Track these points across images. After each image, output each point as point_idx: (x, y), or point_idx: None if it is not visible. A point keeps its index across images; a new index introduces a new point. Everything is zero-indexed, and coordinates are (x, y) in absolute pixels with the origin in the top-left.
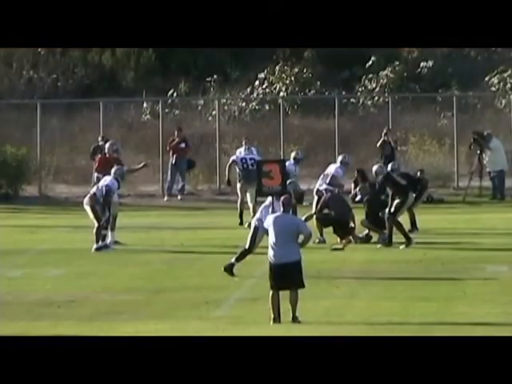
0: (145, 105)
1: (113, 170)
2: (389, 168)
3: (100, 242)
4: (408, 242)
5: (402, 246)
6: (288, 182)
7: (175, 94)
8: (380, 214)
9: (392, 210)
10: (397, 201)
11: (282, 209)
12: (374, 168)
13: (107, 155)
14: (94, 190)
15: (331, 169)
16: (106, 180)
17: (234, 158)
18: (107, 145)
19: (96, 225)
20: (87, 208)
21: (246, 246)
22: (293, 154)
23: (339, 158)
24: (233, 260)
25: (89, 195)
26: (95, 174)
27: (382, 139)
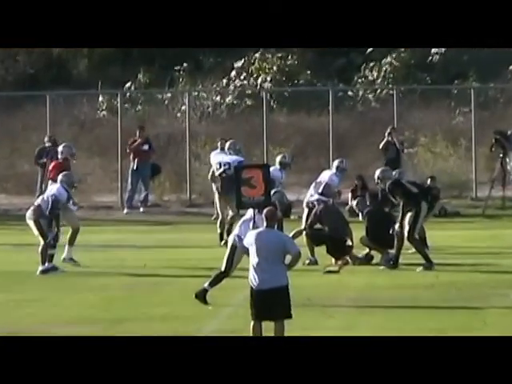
0: (100, 98)
1: (59, 177)
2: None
3: (46, 264)
4: (429, 264)
5: (419, 268)
6: (273, 191)
7: (136, 86)
8: (391, 230)
9: (407, 228)
10: (408, 214)
11: (265, 223)
12: (378, 172)
13: (61, 160)
14: (38, 201)
15: (325, 176)
16: (53, 189)
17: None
18: (61, 148)
19: (42, 243)
20: (30, 223)
21: (222, 268)
22: (279, 158)
23: (334, 164)
24: (206, 285)
25: (32, 207)
26: (49, 182)
27: (385, 140)
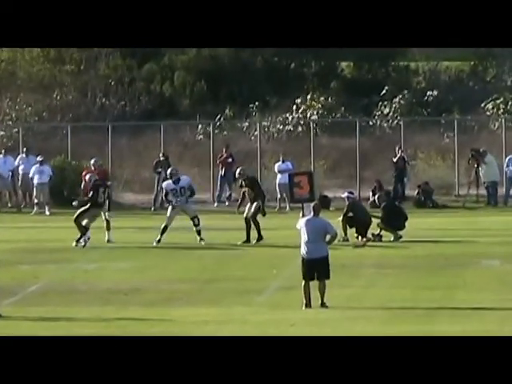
0: (199, 127)
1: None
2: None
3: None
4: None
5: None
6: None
7: (223, 118)
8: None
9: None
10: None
11: (312, 213)
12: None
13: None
14: None
15: None
16: None
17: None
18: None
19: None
20: None
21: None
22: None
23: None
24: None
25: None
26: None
27: (398, 155)
